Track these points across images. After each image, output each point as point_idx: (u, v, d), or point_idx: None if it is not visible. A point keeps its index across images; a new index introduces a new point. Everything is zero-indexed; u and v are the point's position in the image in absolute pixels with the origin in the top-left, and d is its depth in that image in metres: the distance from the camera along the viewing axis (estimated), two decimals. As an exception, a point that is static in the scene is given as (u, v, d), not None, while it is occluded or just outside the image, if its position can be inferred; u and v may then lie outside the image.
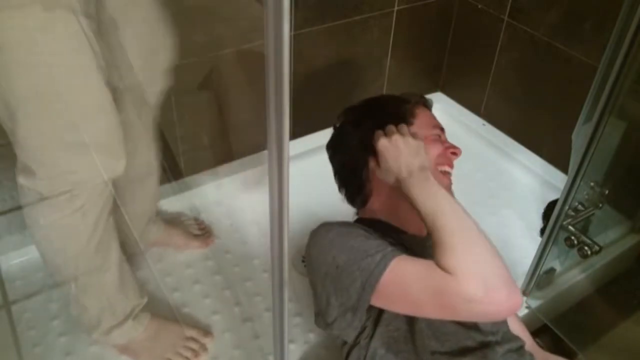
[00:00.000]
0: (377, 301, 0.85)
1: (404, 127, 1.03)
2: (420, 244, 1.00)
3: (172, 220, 1.51)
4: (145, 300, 1.23)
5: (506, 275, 0.78)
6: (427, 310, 0.81)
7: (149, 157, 1.26)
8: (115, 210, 1.15)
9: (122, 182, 1.11)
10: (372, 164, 1.05)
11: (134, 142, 1.13)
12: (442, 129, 1.12)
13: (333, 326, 0.91)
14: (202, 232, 1.52)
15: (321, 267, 0.90)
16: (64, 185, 0.98)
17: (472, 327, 0.90)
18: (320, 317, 0.94)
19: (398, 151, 0.98)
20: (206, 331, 1.28)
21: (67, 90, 0.90)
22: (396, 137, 1.00)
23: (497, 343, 0.90)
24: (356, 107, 1.15)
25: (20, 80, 0.86)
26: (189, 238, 1.49)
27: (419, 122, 1.09)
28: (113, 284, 1.14)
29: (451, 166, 1.10)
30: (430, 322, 0.89)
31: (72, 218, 1.01)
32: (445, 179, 1.07)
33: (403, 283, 0.82)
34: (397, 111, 1.09)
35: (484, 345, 0.89)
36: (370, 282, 0.83)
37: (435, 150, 1.06)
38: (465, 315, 0.80)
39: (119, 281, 1.15)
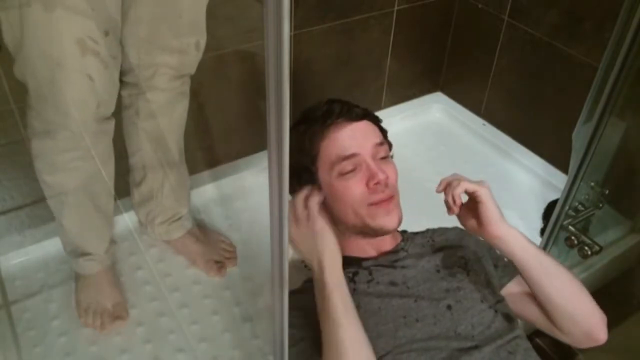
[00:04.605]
0: None
1: (299, 207, 0.89)
2: (387, 261, 0.99)
3: (202, 236, 1.46)
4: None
5: None
6: None
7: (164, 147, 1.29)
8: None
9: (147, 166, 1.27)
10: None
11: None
12: (359, 149, 0.94)
13: None
14: (224, 259, 1.45)
15: None
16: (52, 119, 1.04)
17: (452, 335, 0.90)
18: None
19: (297, 242, 0.90)
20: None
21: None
22: (293, 225, 0.89)
23: (476, 347, 0.90)
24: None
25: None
26: (208, 262, 1.42)
27: (323, 161, 0.96)
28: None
29: (385, 195, 0.94)
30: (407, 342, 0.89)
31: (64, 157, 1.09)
32: (380, 210, 0.95)
33: None
34: (301, 159, 0.97)
35: (461, 352, 0.88)
36: None
37: (354, 191, 0.94)
38: None
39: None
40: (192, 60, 1.20)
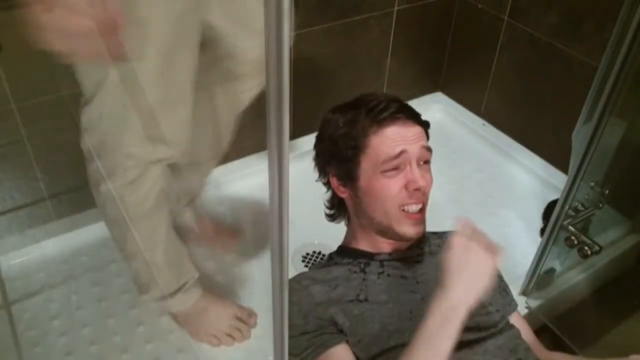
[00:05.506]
0: None
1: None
2: (400, 256, 1.00)
3: (207, 215, 1.48)
4: (196, 275, 1.24)
5: None
6: None
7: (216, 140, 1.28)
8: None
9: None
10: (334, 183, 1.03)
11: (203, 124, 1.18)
12: (407, 148, 0.95)
13: None
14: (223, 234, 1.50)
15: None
16: (118, 158, 1.01)
17: (472, 326, 0.90)
18: None
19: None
20: (251, 312, 1.31)
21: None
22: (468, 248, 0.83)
23: (478, 341, 0.90)
24: (320, 127, 1.05)
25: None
26: (223, 230, 1.46)
27: (369, 155, 0.95)
28: (161, 260, 1.15)
29: (419, 202, 0.95)
30: None
31: (123, 189, 1.04)
32: (409, 220, 0.95)
33: None
34: (349, 142, 0.97)
35: (462, 344, 0.87)
36: None
37: (391, 191, 0.94)
38: None
39: (166, 257, 1.15)
40: None
